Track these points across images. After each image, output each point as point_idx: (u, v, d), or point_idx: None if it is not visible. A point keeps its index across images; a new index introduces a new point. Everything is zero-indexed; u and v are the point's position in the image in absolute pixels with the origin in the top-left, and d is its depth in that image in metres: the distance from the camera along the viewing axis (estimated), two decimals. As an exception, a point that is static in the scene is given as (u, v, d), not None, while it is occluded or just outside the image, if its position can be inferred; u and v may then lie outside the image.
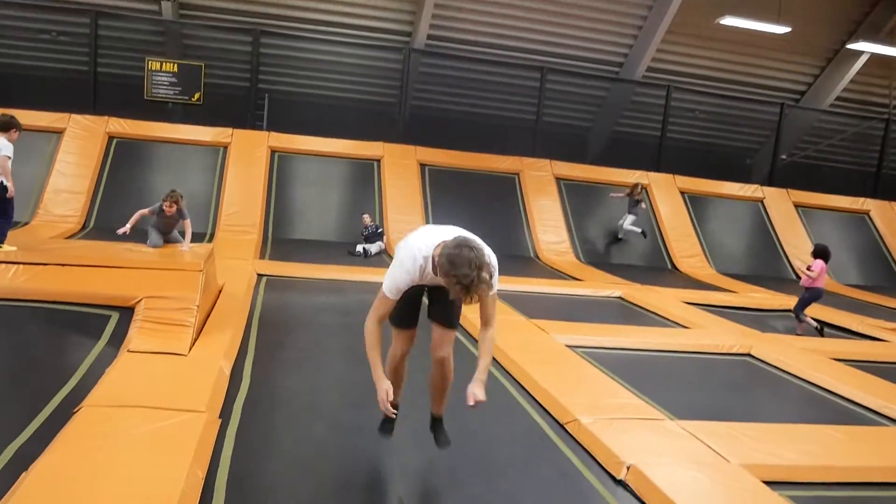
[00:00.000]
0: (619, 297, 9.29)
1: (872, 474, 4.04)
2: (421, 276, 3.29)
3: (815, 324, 8.30)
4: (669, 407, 4.90)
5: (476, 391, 3.20)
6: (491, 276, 3.08)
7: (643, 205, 13.05)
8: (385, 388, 3.28)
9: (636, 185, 12.79)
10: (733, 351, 6.80)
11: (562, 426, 4.45)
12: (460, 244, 3.02)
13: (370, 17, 14.50)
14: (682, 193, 14.14)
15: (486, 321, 3.41)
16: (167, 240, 7.22)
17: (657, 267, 12.57)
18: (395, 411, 3.38)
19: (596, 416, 4.41)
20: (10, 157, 6.04)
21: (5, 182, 6.02)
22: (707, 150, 17.23)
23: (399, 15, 14.63)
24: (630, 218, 12.74)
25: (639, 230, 12.75)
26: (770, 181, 15.42)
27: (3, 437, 3.52)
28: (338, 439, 4.12)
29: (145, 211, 7.08)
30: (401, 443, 4.00)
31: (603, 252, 12.91)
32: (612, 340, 6.63)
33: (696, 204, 14.15)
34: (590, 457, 4.04)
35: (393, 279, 3.33)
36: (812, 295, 8.39)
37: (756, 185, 14.98)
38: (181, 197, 6.92)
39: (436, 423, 3.76)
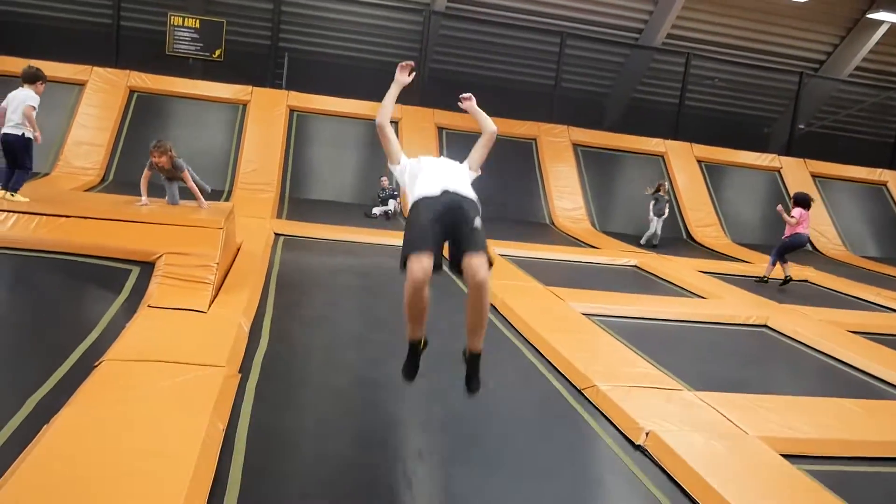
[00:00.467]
0: (635, 266, 9.25)
1: (889, 449, 4.04)
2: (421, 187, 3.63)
3: (786, 274, 8.85)
4: (687, 377, 4.90)
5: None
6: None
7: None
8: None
9: (662, 184, 11.80)
10: (750, 322, 6.78)
11: (580, 392, 4.47)
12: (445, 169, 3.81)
13: (393, -23, 14.27)
14: (699, 162, 13.99)
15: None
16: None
17: (673, 236, 12.49)
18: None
19: (614, 383, 4.42)
20: (35, 108, 6.03)
21: (27, 134, 6.02)
22: (725, 119, 17.00)
23: (420, -24, 14.39)
24: (659, 222, 11.45)
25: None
26: (788, 151, 15.23)
27: (25, 389, 3.55)
28: (357, 393, 4.17)
29: (147, 172, 6.44)
30: (421, 398, 4.05)
31: (618, 220, 12.83)
32: (629, 309, 6.62)
33: (712, 173, 14.00)
34: (608, 422, 4.06)
35: (401, 166, 3.99)
36: (793, 240, 8.87)
37: (773, 155, 14.80)
38: (171, 147, 6.25)
39: (472, 361, 3.52)
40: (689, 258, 10.10)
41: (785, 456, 3.66)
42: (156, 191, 6.45)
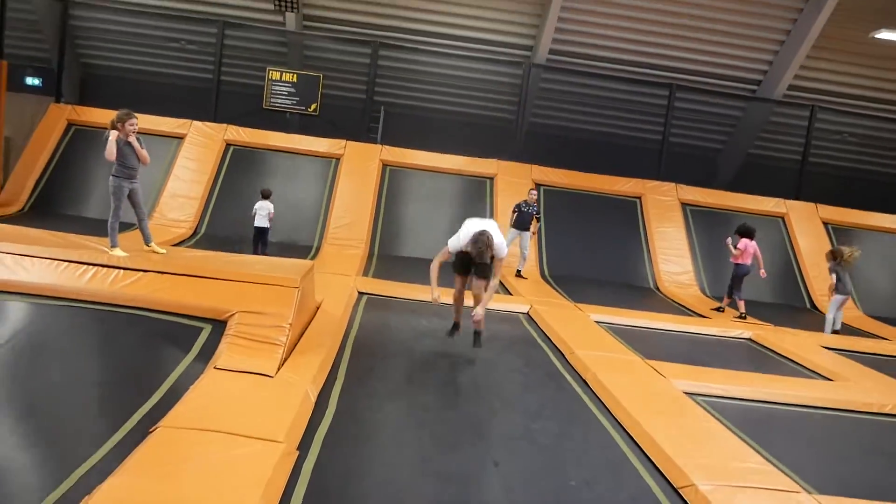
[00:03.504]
0: (749, 339, 8.42)
1: None
2: (461, 244, 5.96)
3: (742, 310, 9.47)
4: (808, 477, 4.25)
5: (478, 310, 5.99)
6: (489, 248, 5.76)
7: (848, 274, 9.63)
8: (435, 294, 6.00)
9: (839, 251, 9.53)
10: (886, 410, 5.87)
11: (676, 491, 3.93)
12: (477, 234, 5.80)
13: (491, 30, 14.29)
14: (825, 224, 12.93)
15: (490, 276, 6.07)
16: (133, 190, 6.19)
17: (794, 306, 11.45)
18: (442, 301, 6.08)
19: (717, 482, 3.85)
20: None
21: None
22: (856, 178, 15.77)
23: (521, 28, 14.32)
24: (839, 300, 9.42)
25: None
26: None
27: (78, 454, 3.48)
28: (423, 483, 3.79)
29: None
30: (492, 499, 3.59)
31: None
32: (741, 390, 5.89)
33: (841, 236, 12.83)
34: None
35: (450, 243, 6.05)
36: (740, 271, 9.71)
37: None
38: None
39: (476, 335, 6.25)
40: (813, 332, 9.11)
41: None
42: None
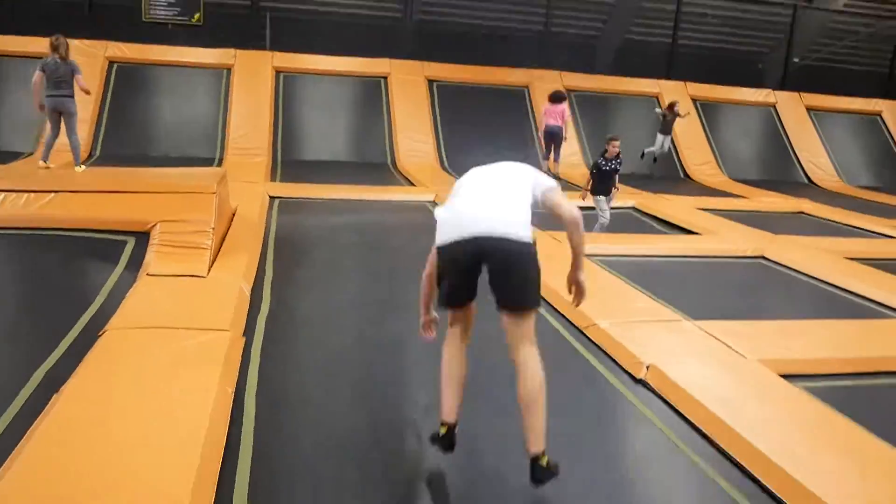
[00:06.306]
0: (633, 207, 9.24)
1: (884, 364, 4.10)
2: (461, 224, 2.76)
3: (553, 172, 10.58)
4: (685, 309, 4.93)
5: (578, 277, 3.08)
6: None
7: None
8: (431, 314, 3.15)
9: (674, 103, 12.00)
10: (747, 254, 6.81)
11: (580, 331, 4.50)
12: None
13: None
14: (694, 101, 13.85)
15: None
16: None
17: (670, 176, 12.46)
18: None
19: (614, 319, 4.45)
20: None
21: None
22: (719, 56, 16.75)
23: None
24: (667, 140, 12.00)
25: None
26: (782, 85, 15.08)
27: (32, 362, 3.58)
28: (360, 353, 4.19)
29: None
30: (422, 353, 4.07)
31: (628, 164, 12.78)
32: (627, 248, 6.66)
33: (708, 111, 13.90)
34: (609, 359, 4.10)
35: (438, 220, 2.89)
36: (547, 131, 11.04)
37: (768, 90, 14.64)
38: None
39: (532, 465, 2.65)
40: (687, 196, 10.08)
41: (785, 377, 3.71)
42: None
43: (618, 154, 7.41)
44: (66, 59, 8.11)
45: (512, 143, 12.09)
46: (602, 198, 7.52)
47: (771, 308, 5.55)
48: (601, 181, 7.53)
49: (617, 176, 7.60)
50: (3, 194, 5.39)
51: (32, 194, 5.42)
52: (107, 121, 11.03)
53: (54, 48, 8.04)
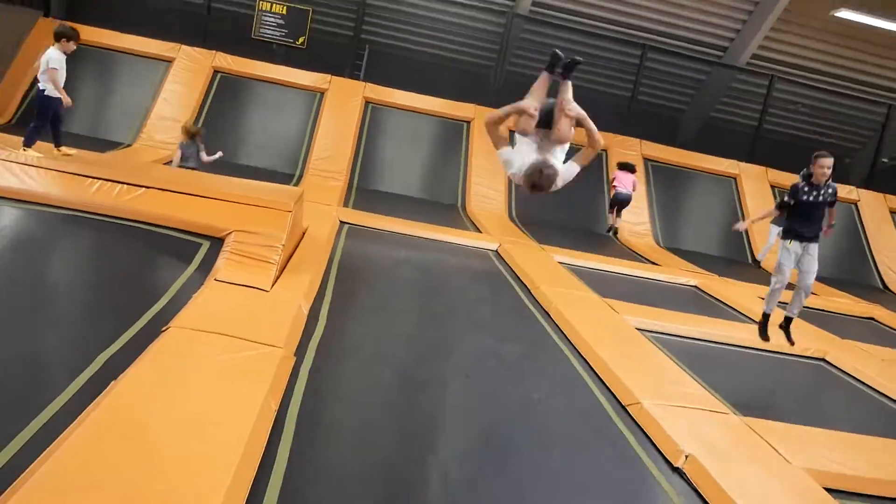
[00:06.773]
0: (695, 287, 9.11)
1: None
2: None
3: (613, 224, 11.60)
4: (735, 402, 4.84)
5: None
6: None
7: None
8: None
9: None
10: (808, 354, 6.62)
11: (623, 407, 4.46)
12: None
13: (476, -24, 14.33)
14: (773, 187, 13.60)
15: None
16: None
17: (737, 260, 12.22)
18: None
19: (659, 401, 4.40)
20: (57, 69, 6.30)
21: (48, 92, 6.31)
22: (804, 145, 16.35)
23: (506, -22, 14.42)
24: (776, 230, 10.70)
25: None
26: (867, 184, 14.71)
27: (96, 346, 3.74)
28: (405, 391, 4.25)
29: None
30: (464, 402, 4.11)
31: (684, 238, 12.62)
32: (684, 329, 6.54)
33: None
34: (649, 441, 4.05)
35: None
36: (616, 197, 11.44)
37: (851, 187, 14.26)
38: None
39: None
40: (753, 284, 9.87)
41: (829, 490, 3.60)
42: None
43: (829, 179, 5.21)
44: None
45: (581, 205, 12.13)
46: (796, 243, 5.36)
47: (825, 415, 5.38)
48: (801, 218, 5.21)
49: (828, 211, 5.42)
50: (98, 182, 5.72)
51: (125, 186, 5.71)
52: (203, 125, 11.55)
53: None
